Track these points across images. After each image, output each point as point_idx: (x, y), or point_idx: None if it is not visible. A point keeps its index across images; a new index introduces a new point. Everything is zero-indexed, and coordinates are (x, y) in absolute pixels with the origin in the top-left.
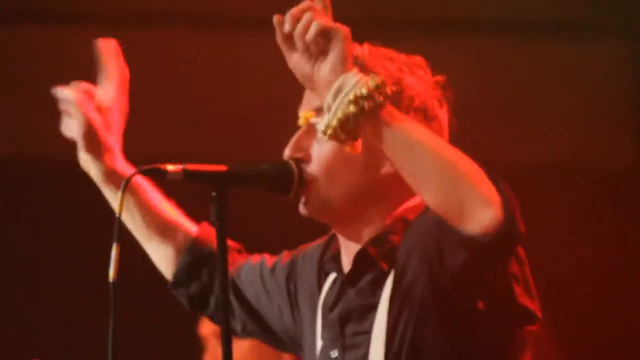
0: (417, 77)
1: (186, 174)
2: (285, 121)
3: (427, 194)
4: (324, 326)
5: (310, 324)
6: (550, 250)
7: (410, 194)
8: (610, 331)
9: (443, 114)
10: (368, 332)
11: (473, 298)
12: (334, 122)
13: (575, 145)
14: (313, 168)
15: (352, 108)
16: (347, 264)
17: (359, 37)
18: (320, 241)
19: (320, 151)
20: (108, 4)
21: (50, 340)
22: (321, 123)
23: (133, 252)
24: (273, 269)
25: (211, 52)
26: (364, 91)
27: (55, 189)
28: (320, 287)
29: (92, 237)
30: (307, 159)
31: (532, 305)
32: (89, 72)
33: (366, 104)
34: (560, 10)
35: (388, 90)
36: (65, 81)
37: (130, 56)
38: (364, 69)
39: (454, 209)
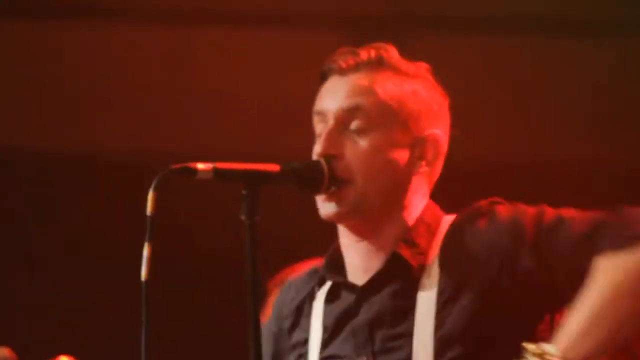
0: (433, 83)
1: (216, 172)
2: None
3: None
4: (331, 340)
5: (298, 345)
6: None
7: (426, 191)
8: None
9: (446, 109)
10: (407, 335)
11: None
12: None
13: (596, 144)
14: (348, 167)
15: None
16: (358, 271)
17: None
18: (302, 267)
19: (357, 149)
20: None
21: (81, 339)
22: None
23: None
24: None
25: (216, 47)
26: None
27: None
28: (310, 303)
29: (121, 237)
30: (340, 157)
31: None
32: (87, 68)
33: None
34: (572, 7)
35: None
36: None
37: (132, 52)
38: (398, 71)
39: None
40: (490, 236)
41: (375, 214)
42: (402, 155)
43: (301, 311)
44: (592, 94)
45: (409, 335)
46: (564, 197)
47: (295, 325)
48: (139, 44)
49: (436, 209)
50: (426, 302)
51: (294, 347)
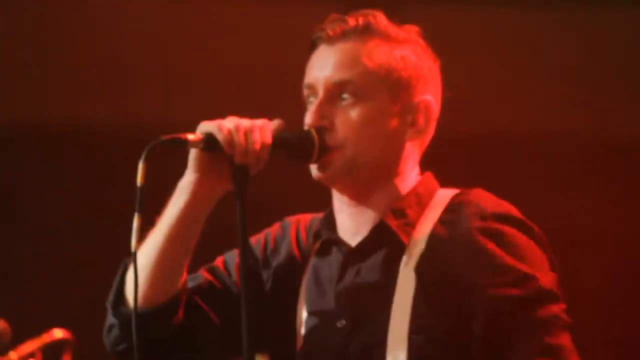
0: (424, 47)
1: (206, 142)
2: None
3: None
4: (320, 295)
5: (287, 292)
6: (570, 215)
7: (416, 158)
8: (613, 305)
9: (437, 73)
10: (386, 306)
11: None
12: None
13: (600, 116)
14: (339, 136)
15: None
16: (350, 232)
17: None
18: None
19: (347, 119)
20: None
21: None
22: None
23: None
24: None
25: (207, 19)
26: None
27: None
28: (303, 256)
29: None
30: (330, 128)
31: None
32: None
33: None
34: None
35: None
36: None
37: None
38: (387, 38)
39: None
40: (484, 277)
41: (366, 180)
42: (392, 123)
43: (297, 258)
44: (588, 66)
45: (387, 306)
46: (549, 170)
47: (287, 267)
48: (134, 16)
49: (431, 180)
50: (408, 275)
51: (280, 284)
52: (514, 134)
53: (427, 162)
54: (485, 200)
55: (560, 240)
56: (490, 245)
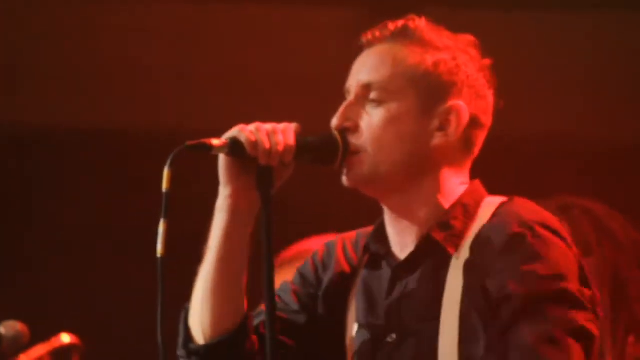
0: (470, 56)
1: (231, 146)
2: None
3: None
4: (370, 308)
5: (336, 308)
6: None
7: (458, 169)
8: None
9: (490, 96)
10: (435, 317)
11: None
12: None
13: (585, 118)
14: (362, 138)
15: None
16: (397, 246)
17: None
18: (364, 230)
19: (370, 121)
20: None
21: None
22: None
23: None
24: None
25: (229, 23)
26: None
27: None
28: (352, 270)
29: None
30: (354, 129)
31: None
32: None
33: None
34: None
35: None
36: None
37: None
38: (422, 42)
39: None
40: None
41: (392, 183)
42: (417, 127)
43: (346, 273)
44: (603, 65)
45: (436, 317)
46: (570, 169)
47: (337, 282)
48: (144, 18)
49: (479, 189)
50: (454, 283)
51: (330, 300)
52: (534, 136)
53: None
54: (527, 208)
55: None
56: (525, 246)
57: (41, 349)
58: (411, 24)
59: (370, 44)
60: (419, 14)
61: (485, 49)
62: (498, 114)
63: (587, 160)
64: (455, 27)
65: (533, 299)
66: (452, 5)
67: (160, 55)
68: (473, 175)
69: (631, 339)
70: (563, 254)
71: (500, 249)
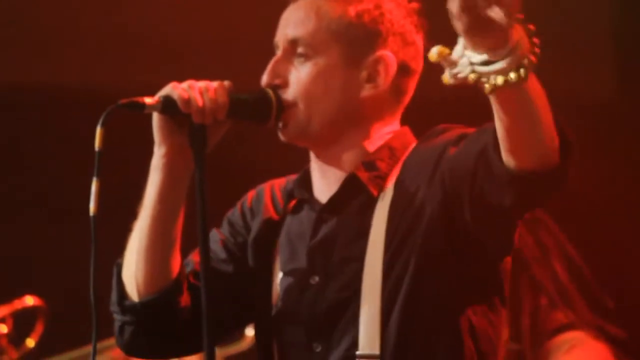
0: (396, 2)
1: (164, 104)
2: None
3: (522, 140)
4: (292, 254)
5: (263, 255)
6: None
7: (389, 118)
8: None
9: (419, 40)
10: (359, 258)
11: (487, 237)
12: (498, 81)
13: (556, 76)
14: (292, 93)
15: (512, 76)
16: (323, 191)
17: None
18: (294, 177)
19: (299, 76)
20: None
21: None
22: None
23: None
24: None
25: None
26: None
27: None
28: (280, 216)
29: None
30: (285, 85)
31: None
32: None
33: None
34: None
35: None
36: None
37: None
38: None
39: (531, 150)
40: (435, 152)
41: (325, 135)
42: (344, 79)
43: (273, 219)
44: (573, 24)
45: (360, 258)
46: None
47: (265, 229)
48: None
49: (407, 134)
50: (379, 224)
51: (258, 247)
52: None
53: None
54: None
55: None
56: (434, 140)
57: (3, 310)
58: None
59: None
60: None
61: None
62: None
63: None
64: None
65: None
66: None
67: (93, 12)
68: None
69: (543, 300)
70: None
71: (421, 162)
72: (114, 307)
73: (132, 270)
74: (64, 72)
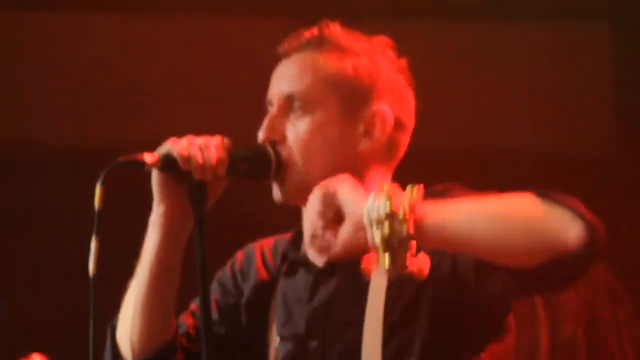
0: (388, 58)
1: (163, 161)
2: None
3: (513, 255)
4: (289, 317)
5: (258, 318)
6: None
7: (383, 174)
8: None
9: (411, 96)
10: (358, 323)
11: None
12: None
13: (552, 130)
14: (290, 149)
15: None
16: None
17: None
18: (282, 236)
19: (296, 132)
20: None
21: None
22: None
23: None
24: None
25: (164, 37)
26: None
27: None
28: (271, 278)
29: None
30: (282, 141)
31: None
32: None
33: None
34: None
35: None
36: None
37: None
38: (339, 48)
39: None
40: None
41: None
42: (342, 134)
43: (266, 281)
44: (571, 78)
45: (359, 322)
46: (537, 181)
47: (257, 291)
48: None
49: None
50: (377, 288)
51: (252, 310)
52: (480, 148)
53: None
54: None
55: None
56: None
57: None
58: (326, 31)
59: (287, 54)
60: (363, 26)
61: (434, 60)
62: (463, 124)
63: (556, 173)
64: (410, 41)
65: None
66: (396, 18)
67: (91, 67)
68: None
69: None
70: None
71: None
72: None
73: (127, 330)
74: (50, 130)
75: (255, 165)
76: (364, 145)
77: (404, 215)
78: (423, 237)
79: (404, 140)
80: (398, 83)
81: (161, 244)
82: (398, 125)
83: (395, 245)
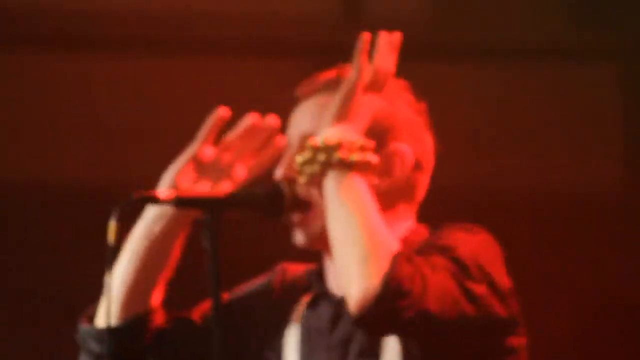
0: (406, 100)
1: (178, 200)
2: None
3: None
4: (311, 350)
5: (274, 345)
6: (536, 271)
7: (404, 214)
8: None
9: (429, 139)
10: (376, 354)
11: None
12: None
13: (562, 171)
14: (309, 188)
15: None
16: (339, 286)
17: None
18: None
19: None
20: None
21: None
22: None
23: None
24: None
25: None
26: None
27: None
28: (289, 311)
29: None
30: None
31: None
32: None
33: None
34: (547, 35)
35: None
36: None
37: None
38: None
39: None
40: None
41: None
42: None
43: (284, 312)
44: (580, 118)
45: (377, 353)
46: (549, 222)
47: (276, 321)
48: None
49: (424, 231)
50: None
51: (265, 343)
52: (493, 189)
53: None
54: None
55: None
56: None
57: None
58: (343, 73)
59: (305, 97)
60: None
61: (445, 102)
62: (474, 167)
63: (566, 213)
64: (421, 82)
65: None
66: (408, 60)
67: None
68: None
69: None
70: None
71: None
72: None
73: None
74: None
75: (269, 203)
76: (384, 184)
77: (329, 156)
78: (319, 185)
79: (423, 180)
80: (416, 125)
81: (147, 247)
82: (417, 165)
83: (305, 171)
